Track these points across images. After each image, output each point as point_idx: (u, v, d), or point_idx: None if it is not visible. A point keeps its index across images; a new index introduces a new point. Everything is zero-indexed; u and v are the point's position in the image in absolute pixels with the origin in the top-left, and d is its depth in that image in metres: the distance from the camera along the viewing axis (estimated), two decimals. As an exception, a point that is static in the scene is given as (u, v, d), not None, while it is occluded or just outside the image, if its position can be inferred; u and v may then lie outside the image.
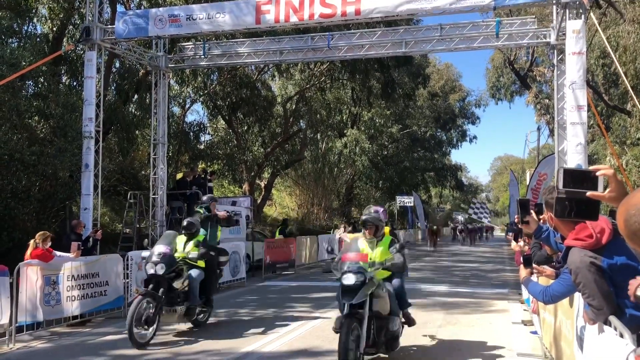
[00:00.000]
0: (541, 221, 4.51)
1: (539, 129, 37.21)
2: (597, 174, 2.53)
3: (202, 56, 16.29)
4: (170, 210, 17.48)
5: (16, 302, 8.36)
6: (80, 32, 15.10)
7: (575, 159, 11.38)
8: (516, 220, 4.37)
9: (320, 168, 37.63)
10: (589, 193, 2.54)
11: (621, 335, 2.96)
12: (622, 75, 11.98)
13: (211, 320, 10.25)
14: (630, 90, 12.33)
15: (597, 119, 19.59)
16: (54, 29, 18.53)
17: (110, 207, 20.85)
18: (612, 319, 3.13)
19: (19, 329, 8.48)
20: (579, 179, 2.62)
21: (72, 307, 9.58)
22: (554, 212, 2.89)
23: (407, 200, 40.87)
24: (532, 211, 4.53)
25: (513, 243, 9.63)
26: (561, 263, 3.86)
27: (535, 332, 8.51)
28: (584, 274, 3.14)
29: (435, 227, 41.12)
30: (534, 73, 34.29)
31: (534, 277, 4.86)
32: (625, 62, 17.53)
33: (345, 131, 36.06)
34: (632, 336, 2.83)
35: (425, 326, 9.60)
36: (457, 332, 9.18)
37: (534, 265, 4.70)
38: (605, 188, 2.56)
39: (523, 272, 4.50)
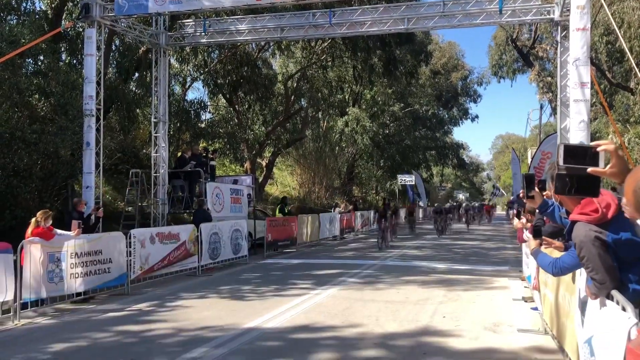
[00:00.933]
0: (545, 197, 4.49)
1: (541, 107, 37.07)
2: (598, 149, 2.50)
3: (203, 33, 16.16)
4: (172, 188, 17.50)
5: (20, 279, 8.41)
6: (80, 9, 14.96)
7: (577, 136, 11.34)
8: (521, 195, 4.33)
9: (321, 147, 37.55)
10: (589, 169, 2.51)
11: (623, 309, 2.98)
12: (628, 51, 11.86)
13: (213, 296, 10.33)
14: (635, 67, 12.23)
15: (600, 97, 19.47)
16: (53, 5, 18.37)
17: (112, 186, 20.87)
18: (615, 292, 3.15)
19: (24, 306, 8.55)
20: (580, 155, 2.59)
21: (75, 284, 9.65)
22: (554, 188, 2.86)
23: (408, 179, 40.85)
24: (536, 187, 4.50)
25: (515, 220, 9.64)
26: (566, 237, 3.85)
27: (535, 309, 8.56)
28: (589, 248, 3.14)
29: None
30: (537, 50, 34.05)
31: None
32: (629, 38, 17.35)
33: (346, 110, 35.91)
34: (635, 310, 2.84)
35: (426, 302, 9.67)
36: (458, 308, 9.25)
37: (543, 237, 4.70)
38: (606, 164, 2.53)
39: (532, 243, 4.49)
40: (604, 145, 2.49)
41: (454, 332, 7.57)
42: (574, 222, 3.28)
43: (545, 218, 5.90)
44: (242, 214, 17.79)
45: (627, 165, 2.51)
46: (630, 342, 2.65)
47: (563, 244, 5.40)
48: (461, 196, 60.59)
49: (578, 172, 2.59)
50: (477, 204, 42.88)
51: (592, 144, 2.55)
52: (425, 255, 17.99)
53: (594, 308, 3.61)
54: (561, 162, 2.60)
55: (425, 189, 48.21)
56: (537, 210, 5.24)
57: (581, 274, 4.63)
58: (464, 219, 38.18)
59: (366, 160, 42.20)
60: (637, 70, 12.36)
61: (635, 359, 2.36)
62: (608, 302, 3.29)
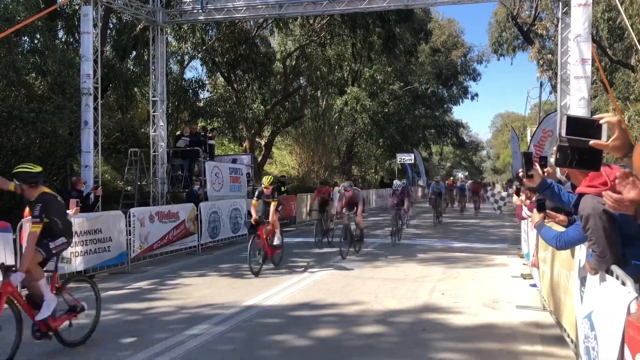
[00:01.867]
0: (545, 174, 4.45)
1: (541, 85, 36.85)
2: (601, 122, 2.47)
3: (200, 10, 15.97)
4: (171, 167, 17.47)
5: (20, 258, 8.42)
6: (75, -14, 14.77)
7: (578, 113, 11.28)
8: (520, 174, 4.28)
9: (320, 126, 37.39)
10: (592, 142, 2.47)
11: (623, 284, 2.98)
12: (629, 28, 11.75)
13: (214, 274, 10.38)
14: (637, 43, 12.11)
15: (600, 74, 19.35)
16: (48, -18, 18.10)
17: (111, 165, 20.82)
18: (615, 267, 3.15)
19: (25, 285, 8.56)
20: (583, 127, 2.55)
21: (75, 263, 9.68)
22: (555, 160, 2.83)
23: (408, 158, 40.76)
24: (536, 164, 4.46)
25: (515, 197, 9.65)
26: (572, 211, 3.81)
27: (534, 285, 8.61)
28: (595, 221, 3.13)
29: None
30: (537, 28, 33.74)
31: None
32: (631, 15, 17.18)
33: (345, 88, 35.69)
34: (635, 284, 2.84)
35: (425, 279, 9.72)
36: (457, 285, 9.29)
37: (547, 211, 4.68)
38: (608, 137, 2.50)
39: (536, 217, 4.48)
40: (607, 118, 2.46)
41: (453, 308, 7.62)
42: (581, 195, 3.26)
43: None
44: (242, 193, 17.79)
45: (629, 139, 2.48)
46: (630, 315, 2.65)
47: (567, 217, 5.39)
48: (460, 175, 60.49)
49: (580, 145, 2.56)
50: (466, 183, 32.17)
51: (596, 116, 2.52)
52: (424, 233, 18.04)
53: (593, 283, 3.61)
54: (563, 134, 2.57)
55: (424, 168, 48.17)
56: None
57: (581, 249, 4.64)
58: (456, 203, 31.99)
59: (365, 140, 42.07)
60: (638, 46, 12.25)
61: (635, 332, 2.36)
62: (608, 277, 3.30)
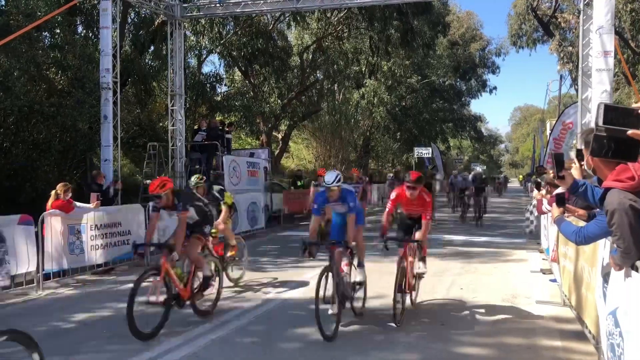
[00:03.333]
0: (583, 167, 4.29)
1: (561, 77, 36.38)
2: None
3: (218, 4, 16.00)
4: (190, 161, 17.56)
5: (42, 250, 8.55)
6: (95, -19, 14.87)
7: (599, 106, 11.11)
8: (552, 175, 4.15)
9: (337, 120, 37.32)
10: (630, 131, 2.37)
11: (649, 279, 2.93)
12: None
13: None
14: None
15: (623, 66, 19.03)
16: (68, -22, 18.25)
17: (130, 159, 21.02)
18: (639, 263, 3.09)
19: (46, 277, 8.71)
20: (621, 115, 2.45)
21: (96, 256, 9.79)
22: (590, 150, 2.73)
23: (425, 152, 40.56)
24: (575, 161, 4.29)
25: (535, 192, 9.55)
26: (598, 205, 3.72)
27: (554, 280, 8.52)
28: (621, 216, 3.05)
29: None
30: (558, 20, 33.27)
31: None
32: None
33: (363, 82, 35.56)
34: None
35: (443, 274, 9.68)
36: (475, 279, 9.24)
37: (567, 205, 4.59)
38: None
39: (556, 211, 4.41)
40: None
41: (471, 303, 7.58)
42: (607, 189, 3.19)
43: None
44: (259, 187, 17.84)
45: None
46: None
47: (586, 212, 5.31)
48: (478, 168, 60.08)
49: (617, 134, 2.46)
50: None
51: (634, 105, 2.42)
52: (443, 227, 17.93)
53: (618, 280, 3.56)
54: (600, 122, 2.47)
55: (442, 162, 47.88)
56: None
57: (605, 246, 4.58)
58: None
59: (382, 134, 41.90)
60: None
61: None
62: (633, 273, 3.24)
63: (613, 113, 2.45)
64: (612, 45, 11.31)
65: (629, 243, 3.11)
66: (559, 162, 4.06)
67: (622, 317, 3.31)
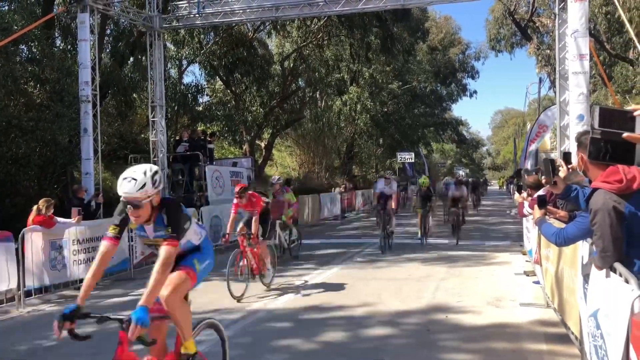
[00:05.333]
0: (571, 171, 4.31)
1: (540, 80, 36.81)
2: (635, 113, 2.35)
3: (197, 15, 15.96)
4: (172, 172, 17.46)
5: (23, 267, 8.43)
6: (72, -6, 14.75)
7: (577, 109, 11.28)
8: (544, 181, 4.14)
9: (320, 127, 37.37)
10: (625, 134, 2.36)
11: (626, 281, 2.97)
12: (627, 22, 11.73)
13: (217, 278, 10.35)
14: (634, 37, 12.09)
15: (599, 68, 19.32)
16: (45, -10, 18.09)
17: (111, 172, 20.80)
18: (618, 265, 3.13)
19: (28, 293, 8.59)
20: (616, 118, 2.44)
21: (78, 271, 9.67)
22: (588, 153, 2.73)
23: (408, 157, 40.81)
24: (563, 164, 4.30)
25: (516, 195, 9.64)
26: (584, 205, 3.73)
27: (537, 282, 8.59)
28: (603, 216, 3.09)
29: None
30: (535, 24, 33.72)
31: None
32: (629, 8, 17.14)
33: (344, 89, 35.66)
34: (638, 282, 2.83)
35: (428, 279, 9.71)
36: (460, 284, 9.29)
37: (548, 207, 4.63)
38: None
39: (537, 212, 4.45)
40: None
41: (456, 308, 7.61)
42: (594, 190, 3.23)
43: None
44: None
45: None
46: (634, 315, 2.64)
47: (567, 214, 5.37)
48: (461, 172, 60.37)
49: (613, 138, 2.44)
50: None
51: (629, 108, 2.41)
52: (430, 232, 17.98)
53: (598, 281, 3.60)
54: (596, 125, 2.46)
55: (426, 166, 48.15)
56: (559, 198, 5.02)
57: (583, 246, 4.63)
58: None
59: (365, 140, 42.04)
60: (636, 41, 12.23)
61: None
62: (612, 274, 3.28)
63: (608, 116, 2.44)
64: (587, 48, 11.49)
65: (607, 243, 3.15)
66: (553, 167, 4.05)
67: (603, 319, 3.34)
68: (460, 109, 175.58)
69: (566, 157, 4.47)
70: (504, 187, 61.97)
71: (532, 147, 15.93)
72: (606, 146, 2.49)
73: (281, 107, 30.99)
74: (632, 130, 2.36)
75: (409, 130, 42.92)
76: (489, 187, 68.94)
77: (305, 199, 21.36)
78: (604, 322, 3.32)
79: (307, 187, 30.60)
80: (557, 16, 12.93)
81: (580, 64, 11.43)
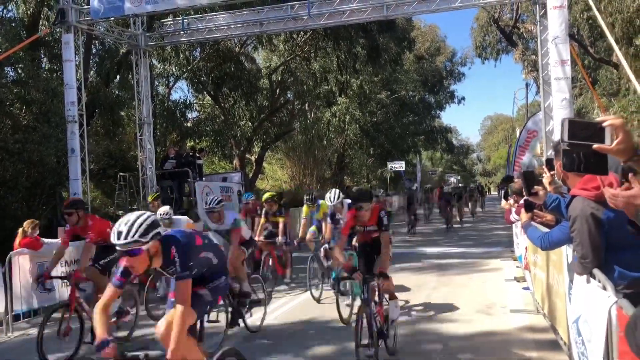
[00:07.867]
0: (554, 177, 4.35)
1: (527, 85, 37.04)
2: (604, 124, 2.38)
3: (182, 32, 16.02)
4: (161, 189, 17.41)
5: (10, 291, 8.35)
6: (55, 15, 14.77)
7: (561, 114, 11.37)
8: (524, 193, 4.19)
9: (310, 139, 37.43)
10: (595, 146, 2.38)
11: (604, 288, 2.99)
12: (604, 27, 11.87)
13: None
14: (613, 42, 12.24)
15: (582, 73, 19.52)
16: (29, 12, 18.12)
17: (101, 191, 20.73)
18: (596, 271, 3.15)
19: (16, 317, 8.50)
20: (585, 130, 2.46)
21: (67, 293, 9.58)
22: (563, 165, 2.78)
23: (398, 166, 40.95)
24: (547, 172, 4.33)
25: (503, 201, 9.69)
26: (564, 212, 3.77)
27: (527, 288, 8.62)
28: (581, 222, 3.12)
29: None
30: (520, 30, 34.05)
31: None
32: (611, 12, 17.33)
33: (333, 100, 35.79)
34: (614, 289, 2.85)
35: (419, 289, 9.70)
36: (450, 292, 9.29)
37: (535, 210, 4.67)
38: (612, 141, 2.40)
39: (524, 216, 4.48)
40: (610, 120, 2.31)
41: (447, 316, 7.61)
42: (573, 197, 3.26)
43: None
44: (234, 211, 17.72)
45: (634, 141, 2.39)
46: (620, 332, 2.62)
47: (554, 217, 5.40)
48: (452, 179, 60.60)
49: (584, 149, 2.46)
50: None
51: (598, 119, 2.43)
52: (420, 240, 18.02)
53: (580, 288, 3.62)
54: (565, 138, 2.48)
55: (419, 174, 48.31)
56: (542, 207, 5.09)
57: (567, 252, 4.65)
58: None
59: (356, 150, 42.14)
60: (615, 47, 12.37)
61: (627, 347, 2.32)
62: (592, 281, 3.30)
63: (578, 128, 2.45)
64: (568, 54, 11.62)
65: (586, 250, 3.18)
66: (530, 180, 4.07)
67: (583, 325, 3.36)
68: (449, 117, 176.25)
69: (549, 163, 4.52)
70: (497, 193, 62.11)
71: (525, 159, 15.99)
72: (579, 157, 2.50)
73: (270, 120, 31.04)
74: (602, 141, 2.36)
75: (399, 139, 43.10)
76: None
77: (297, 211, 21.32)
78: (584, 329, 3.34)
79: (299, 199, 30.58)
80: (538, 23, 13.09)
81: (562, 70, 11.55)
